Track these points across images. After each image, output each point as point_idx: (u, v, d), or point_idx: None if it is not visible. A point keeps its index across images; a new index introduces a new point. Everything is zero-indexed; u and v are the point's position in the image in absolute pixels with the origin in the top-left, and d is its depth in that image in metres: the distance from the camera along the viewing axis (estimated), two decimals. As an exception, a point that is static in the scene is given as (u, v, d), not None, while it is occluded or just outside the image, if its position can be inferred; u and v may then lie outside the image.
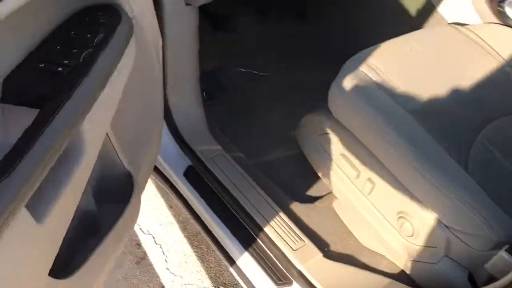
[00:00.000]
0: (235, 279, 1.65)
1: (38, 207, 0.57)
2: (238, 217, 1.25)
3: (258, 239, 1.20)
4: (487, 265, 0.82)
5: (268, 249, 1.18)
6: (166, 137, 1.39)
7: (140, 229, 1.80)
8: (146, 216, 1.84)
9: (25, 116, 0.57)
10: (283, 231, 1.20)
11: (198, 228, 1.36)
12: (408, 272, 1.07)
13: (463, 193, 0.92)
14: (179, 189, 1.38)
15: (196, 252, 1.74)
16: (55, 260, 0.63)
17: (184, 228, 1.81)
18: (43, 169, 0.54)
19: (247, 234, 1.22)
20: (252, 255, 1.19)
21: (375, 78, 1.11)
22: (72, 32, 0.70)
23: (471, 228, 0.91)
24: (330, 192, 1.32)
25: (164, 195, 1.91)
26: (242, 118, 1.56)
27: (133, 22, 0.77)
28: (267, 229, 1.20)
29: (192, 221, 1.72)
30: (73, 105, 0.59)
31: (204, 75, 1.41)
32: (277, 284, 1.14)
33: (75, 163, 0.63)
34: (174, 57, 1.29)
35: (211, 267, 1.70)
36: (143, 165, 0.96)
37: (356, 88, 1.08)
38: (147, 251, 1.74)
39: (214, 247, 1.32)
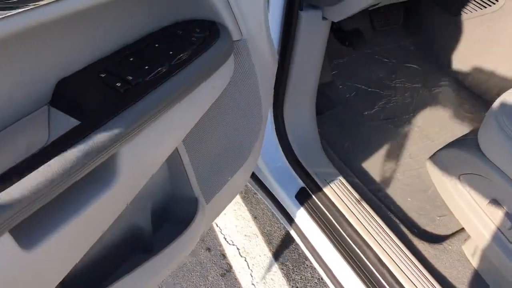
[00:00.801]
0: (322, 304, 1.56)
1: (31, 233, 0.49)
2: (358, 250, 1.16)
3: (383, 280, 1.10)
4: None
5: (396, 294, 1.08)
6: (277, 155, 1.31)
7: (225, 238, 1.74)
8: (230, 226, 1.77)
9: (63, 126, 0.51)
10: (413, 274, 1.09)
11: (307, 253, 1.27)
12: None
13: None
14: (288, 210, 1.29)
15: (282, 269, 1.66)
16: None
17: (269, 242, 1.73)
18: (45, 193, 0.45)
19: (370, 273, 1.12)
20: (375, 297, 1.09)
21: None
22: (156, 45, 0.63)
23: None
24: (459, 231, 1.20)
25: (248, 204, 1.83)
26: (352, 137, 1.46)
27: (241, 44, 0.70)
28: (394, 270, 1.10)
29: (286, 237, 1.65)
30: (109, 128, 0.51)
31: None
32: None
33: (94, 194, 0.54)
34: (298, 69, 1.20)
35: (297, 287, 1.61)
36: (221, 191, 0.89)
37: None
38: (232, 263, 1.67)
39: (326, 279, 1.22)
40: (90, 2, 0.52)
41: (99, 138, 0.50)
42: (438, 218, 1.25)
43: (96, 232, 0.57)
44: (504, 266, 1.01)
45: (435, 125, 1.52)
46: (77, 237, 0.54)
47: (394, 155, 1.41)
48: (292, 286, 1.62)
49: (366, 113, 1.54)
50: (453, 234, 1.20)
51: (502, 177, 0.99)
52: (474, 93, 1.64)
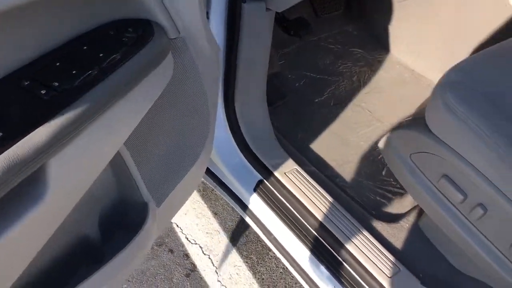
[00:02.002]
0: (290, 292, 1.58)
1: None
2: (320, 238, 1.17)
3: (345, 263, 1.12)
4: None
5: (358, 275, 1.10)
6: (233, 150, 1.30)
7: (187, 238, 1.71)
8: (191, 225, 1.75)
9: None
10: (373, 254, 1.12)
11: (270, 245, 1.27)
12: (521, 304, 1.00)
13: None
14: (248, 204, 1.28)
15: (246, 262, 1.66)
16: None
17: (232, 237, 1.72)
18: None
19: (332, 256, 1.14)
20: (340, 280, 1.11)
21: (483, 90, 1.02)
22: (85, 47, 0.60)
23: None
24: (413, 208, 1.24)
25: (207, 201, 1.82)
26: (305, 126, 1.47)
27: (179, 41, 0.69)
28: (355, 252, 1.12)
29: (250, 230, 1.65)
30: (32, 140, 0.49)
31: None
32: (372, 313, 1.06)
33: (23, 211, 0.51)
34: (246, 62, 1.19)
35: (263, 279, 1.62)
36: (173, 193, 0.88)
37: (464, 102, 0.99)
38: (196, 263, 1.65)
39: (291, 268, 1.23)
40: (9, 2, 0.49)
41: (22, 150, 0.47)
42: (394, 197, 1.29)
43: (29, 251, 0.54)
44: (458, 238, 1.05)
45: (385, 107, 1.56)
46: (7, 259, 0.50)
47: (347, 139, 1.44)
48: (258, 278, 1.62)
49: (316, 100, 1.56)
50: (408, 212, 1.24)
51: (451, 153, 1.02)
52: (419, 74, 1.69)
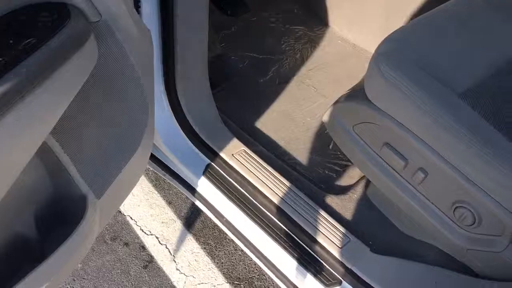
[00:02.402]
0: (250, 273, 1.58)
1: None
2: (272, 216, 1.17)
3: (298, 239, 1.13)
4: None
5: (311, 249, 1.12)
6: (178, 136, 1.27)
7: (142, 230, 1.68)
8: (145, 216, 1.72)
9: None
10: (324, 227, 1.13)
11: (225, 229, 1.27)
12: (465, 261, 1.04)
13: (531, 178, 0.89)
14: (198, 189, 1.27)
15: (204, 248, 1.65)
16: None
17: (188, 224, 1.71)
18: None
19: (285, 233, 1.15)
20: (293, 255, 1.12)
21: (416, 58, 1.04)
22: None
23: (543, 215, 0.88)
24: (361, 178, 1.27)
25: (160, 191, 1.79)
26: (252, 106, 1.46)
27: (102, 25, 0.67)
28: (306, 227, 1.13)
29: (203, 217, 1.63)
30: None
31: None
32: (325, 285, 1.08)
33: None
34: (184, 45, 1.16)
35: (222, 263, 1.62)
36: (114, 184, 0.86)
37: (399, 70, 1.01)
38: (153, 254, 1.63)
39: (246, 250, 1.23)
40: None
41: None
42: (342, 170, 1.31)
43: None
44: (403, 203, 1.08)
45: (329, 83, 1.57)
46: None
47: (294, 117, 1.44)
48: (217, 263, 1.62)
49: (261, 80, 1.55)
50: (357, 183, 1.26)
51: (390, 121, 1.05)
52: (360, 47, 1.72)
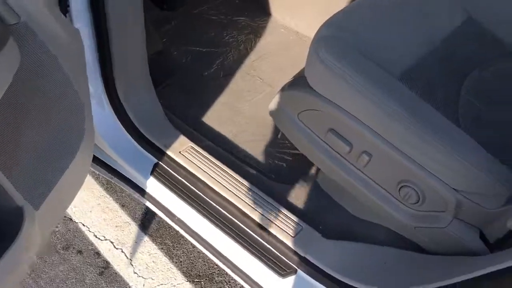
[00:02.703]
0: (209, 269, 1.57)
1: None
2: (224, 211, 1.16)
3: (251, 232, 1.13)
4: (510, 224, 0.83)
5: (265, 240, 1.11)
6: (123, 137, 1.24)
7: (95, 236, 1.64)
8: (98, 221, 1.67)
9: None
10: (277, 218, 1.13)
11: (181, 230, 1.24)
12: (412, 238, 1.07)
13: (468, 153, 0.92)
14: (148, 190, 1.24)
15: (162, 248, 1.63)
16: None
17: (143, 226, 1.67)
18: None
19: (238, 228, 1.14)
20: (248, 249, 1.12)
21: (354, 42, 1.05)
22: None
23: (483, 188, 0.91)
24: (311, 166, 1.27)
25: (112, 194, 1.74)
26: (197, 101, 1.44)
27: (22, 27, 0.65)
28: (259, 220, 1.13)
29: (159, 218, 1.60)
30: None
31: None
32: (280, 275, 1.08)
33: None
34: (120, 44, 1.13)
35: (181, 262, 1.60)
36: (53, 192, 0.83)
37: (338, 56, 1.02)
38: (108, 259, 1.58)
39: (201, 247, 1.22)
40: None
41: None
42: (291, 159, 1.31)
43: None
44: (351, 186, 1.09)
45: (274, 72, 1.57)
46: None
47: (241, 109, 1.43)
48: (176, 262, 1.60)
49: (205, 74, 1.53)
50: (306, 171, 1.27)
51: (332, 107, 1.05)
52: (303, 34, 1.72)
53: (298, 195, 1.21)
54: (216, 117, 1.40)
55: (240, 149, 1.33)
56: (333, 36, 1.06)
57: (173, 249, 1.62)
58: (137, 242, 1.64)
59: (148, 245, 1.63)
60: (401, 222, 1.05)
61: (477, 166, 0.91)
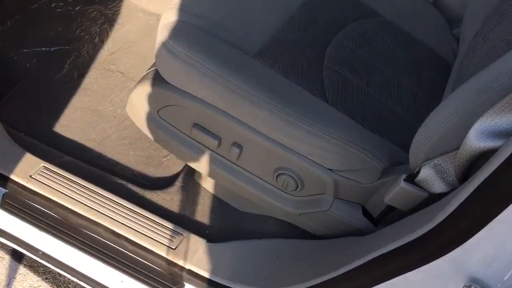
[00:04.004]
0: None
1: None
2: (92, 234, 1.02)
3: (127, 252, 1.00)
4: (387, 199, 0.78)
5: (144, 259, 0.99)
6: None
7: (-38, 282, 1.41)
8: (-37, 264, 1.44)
9: None
10: (153, 231, 1.01)
11: (50, 265, 1.08)
12: (300, 225, 1.00)
13: (336, 130, 0.86)
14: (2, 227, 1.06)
15: (47, 278, 1.44)
16: None
17: (19, 257, 1.47)
18: None
19: (111, 250, 1.00)
20: (126, 272, 0.99)
21: (202, 24, 0.94)
22: None
23: (356, 164, 0.86)
24: (186, 166, 1.16)
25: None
26: (49, 112, 1.25)
27: None
28: (133, 237, 1.00)
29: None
30: None
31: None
32: (168, 292, 0.97)
33: None
34: None
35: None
36: None
37: (186, 43, 0.90)
38: (-18, 304, 1.37)
39: (74, 279, 1.07)
40: None
41: None
42: (165, 159, 1.18)
43: None
44: (227, 182, 1.00)
45: (136, 64, 1.41)
46: None
47: (103, 111, 1.26)
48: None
49: (56, 77, 1.33)
50: (182, 171, 1.15)
51: (192, 100, 0.94)
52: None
53: (176, 199, 1.09)
54: (74, 125, 1.23)
55: (106, 158, 1.17)
56: (179, 21, 0.93)
57: (59, 276, 1.44)
58: (15, 277, 1.44)
59: (29, 278, 1.43)
60: (285, 211, 0.97)
61: (346, 141, 0.85)
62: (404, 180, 0.74)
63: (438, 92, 1.01)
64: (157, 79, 0.98)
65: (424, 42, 1.10)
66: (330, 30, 1.03)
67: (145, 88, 1.00)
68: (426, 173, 0.70)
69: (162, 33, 0.92)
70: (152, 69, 1.02)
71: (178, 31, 0.92)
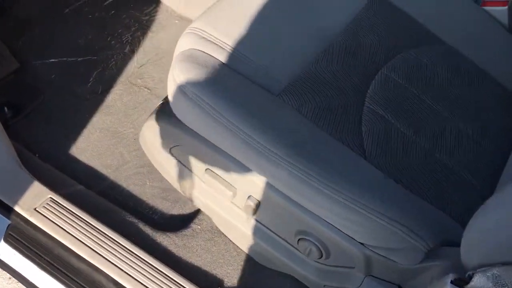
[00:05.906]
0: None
1: None
2: (95, 281, 0.92)
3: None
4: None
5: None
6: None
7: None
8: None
9: None
10: (159, 286, 0.90)
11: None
12: (324, 295, 0.85)
13: (371, 199, 0.69)
14: (2, 258, 0.99)
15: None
16: None
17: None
18: None
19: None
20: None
21: (219, 55, 0.80)
22: None
23: (392, 242, 0.69)
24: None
25: None
26: (67, 131, 1.16)
27: None
28: (137, 288, 0.89)
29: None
30: None
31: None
32: None
33: None
34: None
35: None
36: None
37: (199, 82, 0.77)
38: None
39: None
40: None
41: None
42: (183, 197, 1.06)
43: None
44: (243, 236, 0.87)
45: (163, 78, 1.30)
46: None
47: (123, 133, 1.16)
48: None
49: (79, 91, 1.25)
50: (199, 209, 1.02)
51: (205, 144, 0.81)
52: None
53: (190, 245, 0.97)
54: (90, 147, 1.14)
55: (120, 189, 1.07)
56: (195, 51, 0.80)
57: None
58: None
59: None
60: (308, 278, 0.82)
61: (382, 215, 0.68)
62: (452, 282, 0.57)
63: (506, 146, 0.81)
64: (170, 115, 0.85)
65: (494, 77, 0.90)
66: (375, 61, 0.86)
67: (157, 123, 0.88)
68: (481, 283, 0.53)
69: (175, 65, 0.80)
70: (165, 100, 0.90)
71: (192, 64, 0.78)
